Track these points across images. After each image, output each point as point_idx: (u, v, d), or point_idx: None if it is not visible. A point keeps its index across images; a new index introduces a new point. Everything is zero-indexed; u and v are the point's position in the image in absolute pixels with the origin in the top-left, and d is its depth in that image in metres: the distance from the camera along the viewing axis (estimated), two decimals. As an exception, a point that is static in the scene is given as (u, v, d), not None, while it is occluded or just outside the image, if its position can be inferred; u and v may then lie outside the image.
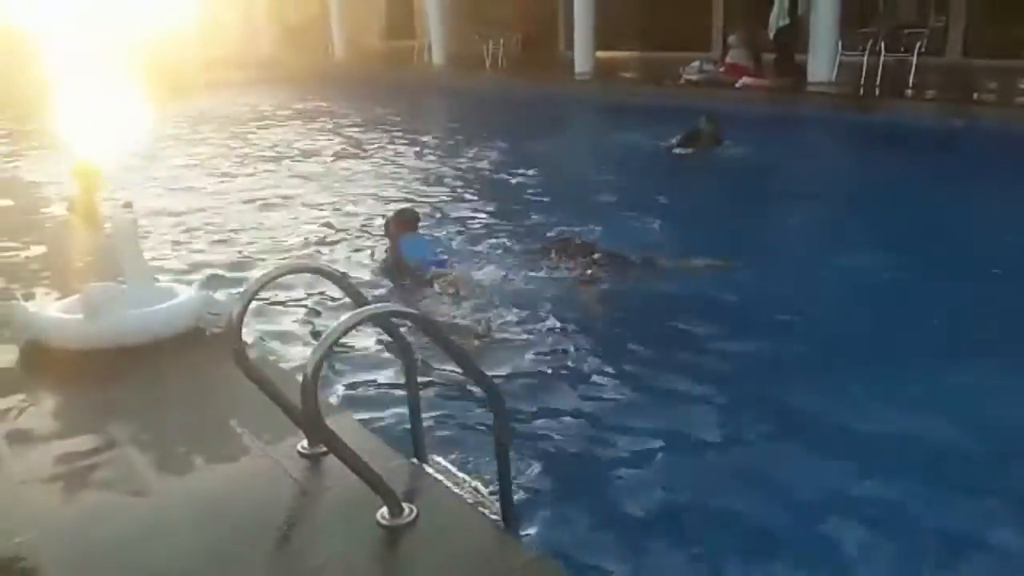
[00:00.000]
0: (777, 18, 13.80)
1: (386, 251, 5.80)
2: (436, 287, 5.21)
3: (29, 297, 4.29)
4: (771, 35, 13.92)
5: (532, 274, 5.45)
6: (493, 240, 6.39)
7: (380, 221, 6.50)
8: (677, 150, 9.45)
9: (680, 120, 9.89)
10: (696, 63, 14.72)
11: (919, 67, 12.21)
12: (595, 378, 4.10)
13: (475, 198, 8.24)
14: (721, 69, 14.43)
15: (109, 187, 7.25)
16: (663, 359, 4.28)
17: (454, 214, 7.46)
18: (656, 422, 3.63)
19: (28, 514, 2.49)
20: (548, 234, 6.27)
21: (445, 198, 8.22)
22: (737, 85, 13.54)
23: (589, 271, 5.48)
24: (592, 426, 3.65)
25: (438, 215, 7.37)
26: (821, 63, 12.99)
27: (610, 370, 4.17)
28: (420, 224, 5.94)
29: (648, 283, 5.35)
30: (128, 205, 6.80)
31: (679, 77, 14.64)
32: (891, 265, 5.45)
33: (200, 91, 18.88)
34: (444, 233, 6.57)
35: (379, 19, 26.05)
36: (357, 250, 6.32)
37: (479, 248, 6.16)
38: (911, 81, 12.10)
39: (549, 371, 4.18)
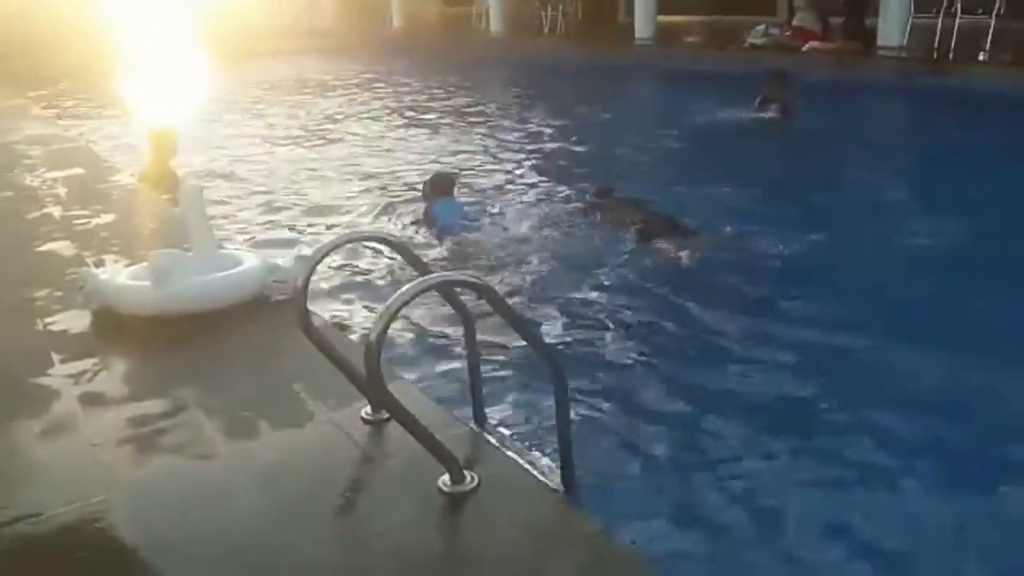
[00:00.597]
0: None
1: (423, 213, 6.00)
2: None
3: (100, 264, 4.41)
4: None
5: (582, 233, 5.57)
6: (551, 205, 6.38)
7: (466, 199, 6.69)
8: (759, 114, 9.27)
9: (743, 85, 9.65)
10: (761, 27, 14.34)
11: (997, 30, 11.67)
12: (656, 345, 4.05)
13: (533, 165, 8.19)
14: (787, 33, 14.03)
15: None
16: (723, 327, 4.20)
17: (510, 181, 7.44)
18: (719, 396, 3.58)
19: (100, 476, 2.56)
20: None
21: (499, 165, 8.18)
22: (804, 49, 13.16)
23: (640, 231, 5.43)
24: (650, 396, 3.61)
25: (492, 181, 7.37)
26: (892, 26, 12.52)
27: (670, 337, 4.12)
28: (473, 189, 6.02)
29: (707, 251, 5.25)
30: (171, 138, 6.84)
31: (743, 41, 14.27)
32: (968, 234, 5.25)
33: (263, 59, 19.10)
34: (497, 198, 6.68)
35: (437, -13, 25.94)
36: (410, 217, 6.35)
37: (536, 213, 6.16)
38: (987, 45, 11.57)
39: (606, 338, 4.14)
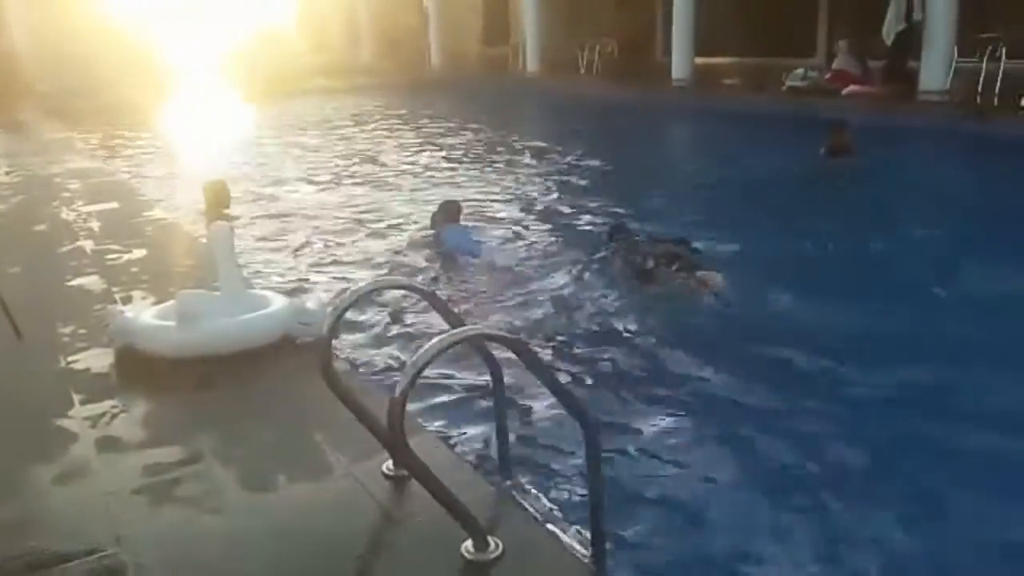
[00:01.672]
0: (895, 23, 13.17)
1: (432, 238, 6.38)
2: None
3: (127, 301, 4.38)
4: (888, 40, 13.29)
5: (594, 267, 5.61)
6: (568, 239, 6.36)
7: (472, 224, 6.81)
8: (827, 160, 8.79)
9: (786, 128, 9.51)
10: (800, 69, 14.22)
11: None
12: (686, 399, 3.89)
13: (565, 201, 8.12)
14: (827, 76, 13.88)
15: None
16: (756, 381, 4.01)
17: (534, 214, 7.41)
18: (757, 453, 3.39)
19: (111, 528, 2.46)
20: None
21: (529, 204, 8.13)
22: (844, 93, 13.00)
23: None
24: (686, 453, 3.43)
25: (515, 214, 7.43)
26: (935, 70, 12.31)
27: (702, 389, 3.94)
28: (497, 220, 6.59)
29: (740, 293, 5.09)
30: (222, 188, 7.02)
31: (781, 84, 14.16)
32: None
33: (303, 96, 19.39)
34: (517, 229, 6.79)
35: (475, 27, 26.23)
36: (421, 244, 6.54)
37: (553, 245, 6.29)
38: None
39: (637, 391, 3.99)
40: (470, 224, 6.66)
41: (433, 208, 6.78)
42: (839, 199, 7.99)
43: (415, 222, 7.24)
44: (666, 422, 3.67)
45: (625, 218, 6.96)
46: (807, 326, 4.58)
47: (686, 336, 4.55)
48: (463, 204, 6.86)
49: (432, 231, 6.43)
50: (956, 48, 12.23)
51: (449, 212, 6.45)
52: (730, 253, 5.86)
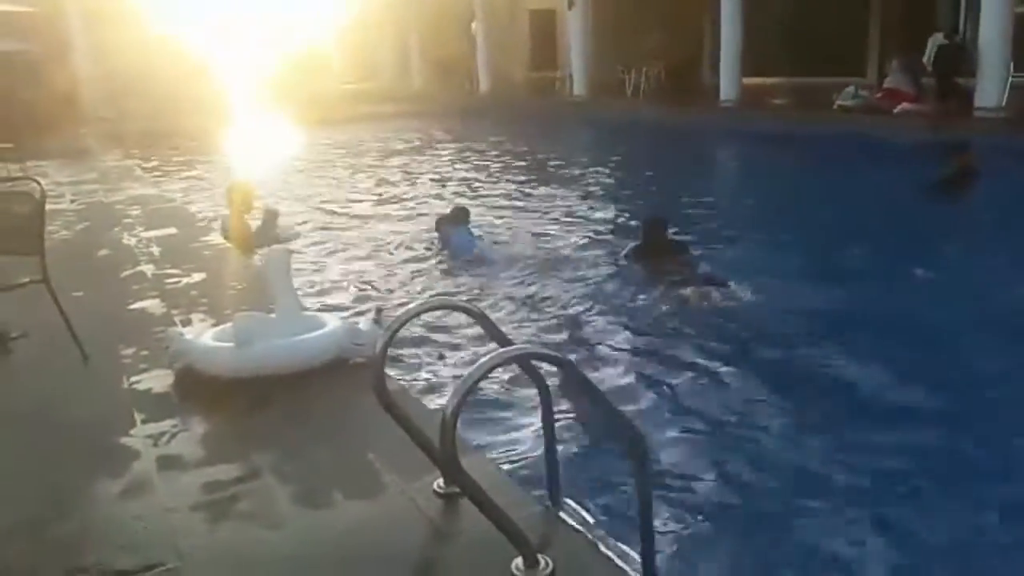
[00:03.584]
0: (934, 41, 12.99)
1: (438, 240, 7.29)
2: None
3: (186, 323, 4.51)
4: (929, 59, 13.09)
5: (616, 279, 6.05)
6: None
7: (519, 248, 7.32)
8: (950, 186, 8.19)
9: (830, 147, 9.37)
10: (850, 88, 14.09)
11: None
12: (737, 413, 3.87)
13: (603, 217, 8.18)
14: (878, 95, 13.72)
15: (264, 207, 7.67)
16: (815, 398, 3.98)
17: (588, 246, 7.42)
18: (810, 472, 3.36)
19: (171, 543, 2.54)
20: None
21: (575, 220, 8.21)
22: (896, 111, 12.83)
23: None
24: (740, 469, 3.42)
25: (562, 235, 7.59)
26: (990, 87, 12.10)
27: (754, 406, 3.92)
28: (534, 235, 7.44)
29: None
30: (274, 213, 7.46)
31: (831, 103, 14.03)
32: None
33: (356, 122, 19.76)
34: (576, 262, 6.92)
35: (522, 53, 26.52)
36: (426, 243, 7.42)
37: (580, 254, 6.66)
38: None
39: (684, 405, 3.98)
40: (474, 229, 7.43)
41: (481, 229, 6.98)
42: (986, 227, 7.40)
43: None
44: (715, 441, 3.67)
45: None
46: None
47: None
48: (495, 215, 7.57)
49: (437, 233, 7.34)
50: (1012, 64, 12.02)
51: (454, 215, 7.34)
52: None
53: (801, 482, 3.30)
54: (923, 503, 3.19)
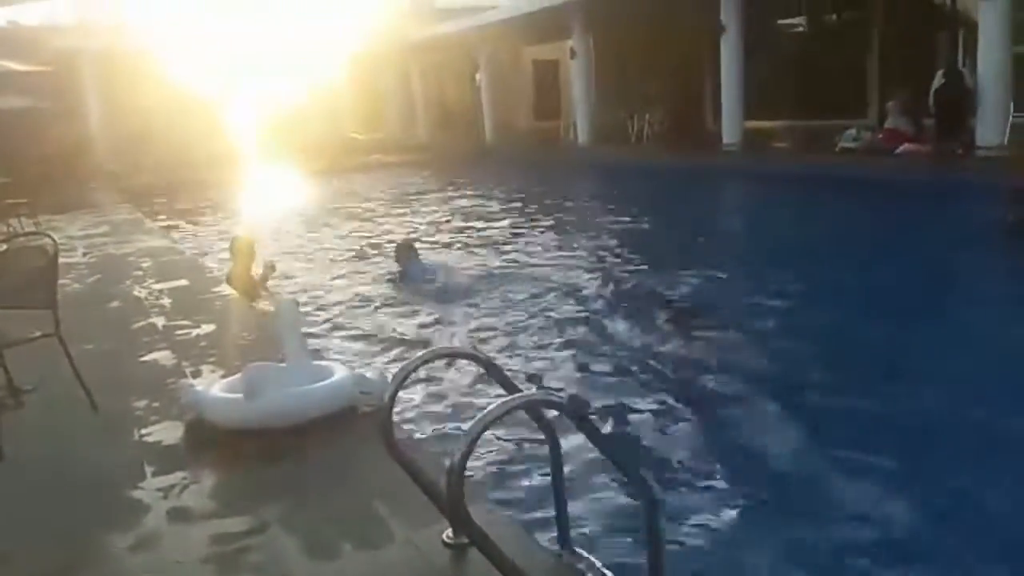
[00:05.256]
0: (936, 81, 13.14)
1: (397, 270, 8.13)
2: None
3: (197, 375, 4.54)
4: (930, 98, 13.23)
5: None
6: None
7: (524, 295, 7.40)
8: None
9: (836, 188, 9.43)
10: (852, 130, 14.23)
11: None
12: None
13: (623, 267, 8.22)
14: (879, 136, 13.85)
15: (263, 260, 7.76)
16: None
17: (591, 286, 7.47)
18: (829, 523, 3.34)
19: (182, 596, 2.54)
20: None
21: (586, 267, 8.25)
22: (897, 152, 12.94)
23: None
24: (752, 519, 3.40)
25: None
26: (991, 126, 12.20)
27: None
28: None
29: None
30: (271, 267, 7.64)
31: (834, 145, 14.15)
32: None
33: (362, 170, 20.01)
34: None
35: (526, 103, 26.92)
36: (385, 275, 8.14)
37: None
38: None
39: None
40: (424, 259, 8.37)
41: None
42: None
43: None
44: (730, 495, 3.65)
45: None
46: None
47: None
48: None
49: (398, 268, 8.13)
50: (1012, 103, 12.13)
51: (407, 247, 8.26)
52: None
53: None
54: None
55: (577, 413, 2.42)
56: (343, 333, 6.58)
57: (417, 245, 8.72)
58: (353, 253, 10.23)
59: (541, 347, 5.88)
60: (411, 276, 7.85)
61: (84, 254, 9.49)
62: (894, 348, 5.23)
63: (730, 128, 16.46)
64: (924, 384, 4.56)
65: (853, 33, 18.13)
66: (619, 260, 8.81)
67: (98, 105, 21.86)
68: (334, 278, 8.75)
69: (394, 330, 6.56)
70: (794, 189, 11.96)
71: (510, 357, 5.59)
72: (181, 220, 13.91)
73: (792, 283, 7.11)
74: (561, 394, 4.53)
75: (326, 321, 6.95)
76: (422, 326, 6.64)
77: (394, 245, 8.73)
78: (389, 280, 8.10)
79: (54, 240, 4.45)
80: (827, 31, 19.79)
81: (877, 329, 5.60)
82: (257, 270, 7.57)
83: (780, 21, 20.40)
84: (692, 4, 17.36)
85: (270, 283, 7.71)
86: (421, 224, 12.33)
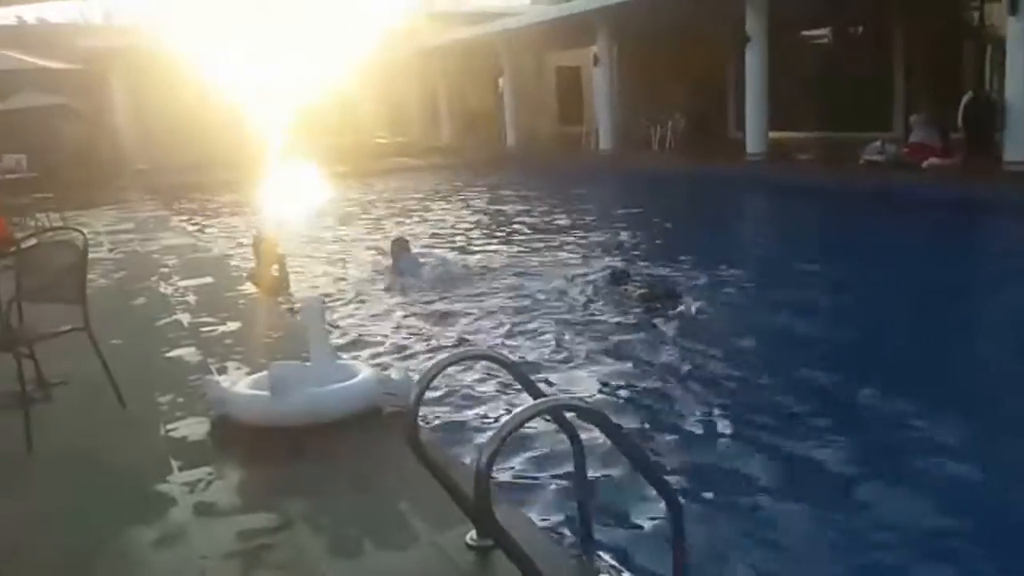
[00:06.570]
0: (967, 97, 13.03)
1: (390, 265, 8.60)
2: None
3: (222, 372, 4.58)
4: (959, 113, 13.13)
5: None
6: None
7: (543, 298, 7.40)
8: None
9: (858, 201, 9.35)
10: (876, 143, 14.09)
11: None
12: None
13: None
14: (904, 149, 13.73)
15: (285, 257, 7.83)
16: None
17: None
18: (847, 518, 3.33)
19: (208, 590, 2.57)
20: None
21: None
22: (924, 166, 12.82)
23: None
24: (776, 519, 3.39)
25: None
26: (1019, 141, 12.07)
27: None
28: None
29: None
30: (282, 261, 7.64)
31: (858, 158, 14.05)
32: None
33: (385, 173, 20.11)
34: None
35: (549, 108, 26.95)
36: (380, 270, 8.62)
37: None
38: None
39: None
40: (417, 254, 8.79)
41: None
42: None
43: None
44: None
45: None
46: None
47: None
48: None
49: (391, 262, 8.59)
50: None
51: (399, 244, 8.72)
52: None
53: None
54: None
55: (600, 418, 2.43)
56: (341, 330, 6.62)
57: (431, 242, 9.22)
58: (370, 251, 10.27)
59: (538, 340, 6.06)
60: (404, 270, 8.31)
61: (111, 250, 9.59)
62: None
63: (754, 138, 16.36)
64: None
65: (878, 45, 18.02)
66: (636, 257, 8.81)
67: (126, 104, 22.09)
68: (338, 279, 8.76)
69: (389, 324, 6.76)
70: (818, 200, 11.87)
71: (512, 352, 5.62)
72: (207, 218, 14.04)
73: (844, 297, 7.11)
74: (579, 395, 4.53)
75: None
76: (414, 317, 6.97)
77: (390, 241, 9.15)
78: (378, 273, 8.63)
79: (84, 235, 4.51)
80: (852, 43, 19.70)
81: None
82: (276, 268, 7.64)
83: (805, 32, 20.33)
84: (716, 14, 17.32)
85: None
86: (436, 224, 12.39)
